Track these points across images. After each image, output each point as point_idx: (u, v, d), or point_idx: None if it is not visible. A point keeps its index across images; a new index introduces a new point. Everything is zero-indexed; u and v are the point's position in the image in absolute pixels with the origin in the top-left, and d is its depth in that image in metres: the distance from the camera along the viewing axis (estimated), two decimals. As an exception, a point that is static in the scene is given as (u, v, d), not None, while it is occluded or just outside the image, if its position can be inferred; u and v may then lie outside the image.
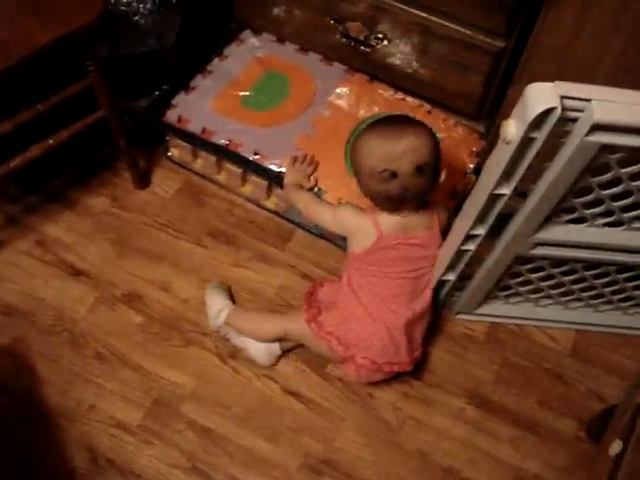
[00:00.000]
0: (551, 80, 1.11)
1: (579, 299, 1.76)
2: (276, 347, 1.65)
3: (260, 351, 1.64)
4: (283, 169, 1.74)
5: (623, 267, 1.58)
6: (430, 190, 1.47)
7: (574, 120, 1.11)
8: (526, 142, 1.15)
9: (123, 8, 1.67)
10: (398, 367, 1.57)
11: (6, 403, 1.59)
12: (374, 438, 1.62)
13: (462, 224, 1.44)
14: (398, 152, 1.39)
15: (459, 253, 1.52)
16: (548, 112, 1.08)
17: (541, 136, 1.13)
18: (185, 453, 1.57)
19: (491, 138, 1.76)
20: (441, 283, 1.65)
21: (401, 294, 1.53)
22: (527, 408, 1.68)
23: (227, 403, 1.63)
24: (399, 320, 1.52)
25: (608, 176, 1.25)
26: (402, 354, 1.55)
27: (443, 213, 1.58)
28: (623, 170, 1.24)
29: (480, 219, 1.39)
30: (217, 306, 1.68)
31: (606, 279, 1.64)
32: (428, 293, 1.57)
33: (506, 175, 1.24)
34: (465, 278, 1.64)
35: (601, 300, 1.76)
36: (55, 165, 1.89)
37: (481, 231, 1.43)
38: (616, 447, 1.17)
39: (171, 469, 1.55)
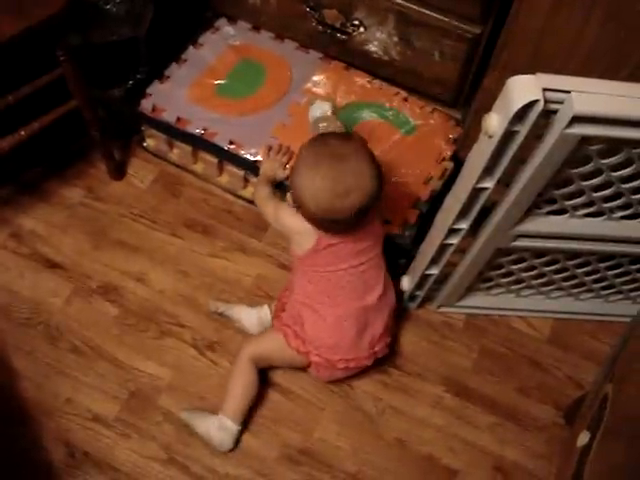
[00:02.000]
0: (526, 67, 1.10)
1: (560, 288, 1.76)
2: (266, 312, 1.66)
3: (252, 321, 1.65)
4: (259, 158, 1.73)
5: (604, 256, 1.58)
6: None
7: (555, 112, 1.11)
8: (508, 135, 1.15)
9: (94, -4, 1.65)
10: (354, 363, 1.55)
11: (-19, 398, 1.58)
12: (353, 428, 1.62)
13: (445, 218, 1.43)
14: (344, 207, 1.35)
15: (442, 247, 1.51)
16: (530, 105, 1.07)
17: (523, 129, 1.13)
18: (162, 445, 1.56)
19: (468, 125, 1.75)
20: (424, 277, 1.65)
21: (348, 288, 1.50)
22: (506, 395, 1.69)
23: (204, 394, 1.62)
24: (348, 314, 1.50)
25: (589, 167, 1.25)
26: (357, 349, 1.54)
27: None
28: (603, 161, 1.23)
29: (463, 213, 1.38)
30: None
31: (587, 268, 1.64)
32: (380, 286, 1.54)
33: (489, 169, 1.24)
34: (446, 271, 1.64)
35: (582, 289, 1.76)
36: (29, 156, 1.86)
37: (464, 225, 1.43)
38: (584, 438, 1.17)
39: (149, 461, 1.54)
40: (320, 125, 1.44)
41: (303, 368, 1.61)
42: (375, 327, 1.55)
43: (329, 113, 1.47)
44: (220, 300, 1.73)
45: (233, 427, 1.54)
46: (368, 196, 1.35)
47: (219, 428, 1.53)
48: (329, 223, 1.40)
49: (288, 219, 1.49)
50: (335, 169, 1.34)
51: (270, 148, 1.71)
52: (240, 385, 1.55)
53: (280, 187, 1.71)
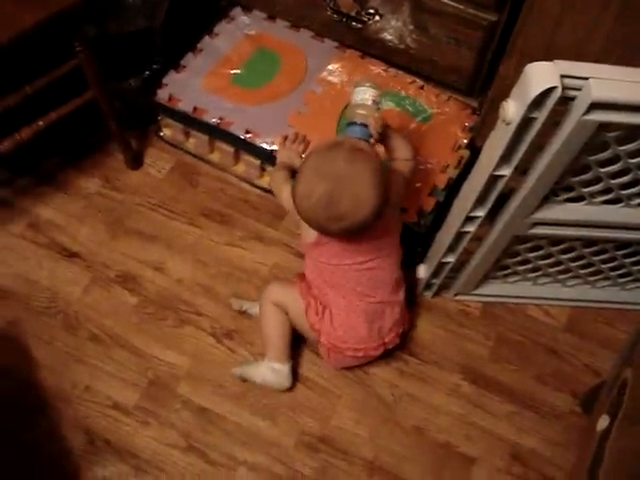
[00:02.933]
0: (542, 55, 1.10)
1: (577, 276, 1.75)
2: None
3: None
4: (275, 147, 1.73)
5: (621, 244, 1.57)
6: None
7: (573, 99, 1.10)
8: (526, 122, 1.15)
9: (111, -13, 1.65)
10: (363, 352, 1.55)
11: (1, 386, 1.60)
12: (370, 415, 1.63)
13: (461, 206, 1.43)
14: (337, 228, 1.34)
15: (458, 235, 1.52)
16: (548, 92, 1.08)
17: (541, 116, 1.13)
18: (182, 433, 1.57)
19: (484, 113, 1.75)
20: (441, 265, 1.65)
21: (353, 282, 1.49)
22: (523, 383, 1.69)
23: (223, 382, 1.63)
24: (353, 308, 1.50)
25: (606, 154, 1.25)
26: (366, 340, 1.54)
27: (400, 182, 1.52)
28: (621, 148, 1.23)
29: (480, 201, 1.38)
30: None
31: (604, 256, 1.63)
32: (390, 281, 1.53)
33: (506, 156, 1.24)
34: (463, 259, 1.64)
35: (599, 277, 1.75)
36: (47, 147, 1.88)
37: (481, 213, 1.43)
38: (603, 422, 1.17)
39: (168, 449, 1.55)
40: (357, 112, 1.41)
41: (316, 352, 1.64)
42: (385, 320, 1.55)
43: (369, 102, 1.42)
44: (239, 291, 1.74)
45: (283, 368, 1.58)
46: (363, 221, 1.32)
47: (272, 372, 1.58)
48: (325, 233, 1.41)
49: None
50: (333, 192, 1.30)
51: (286, 137, 1.71)
52: (272, 327, 1.58)
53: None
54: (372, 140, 1.40)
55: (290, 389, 1.62)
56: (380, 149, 1.50)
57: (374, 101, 1.42)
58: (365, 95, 1.42)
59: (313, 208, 1.32)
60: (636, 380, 1.12)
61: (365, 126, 1.39)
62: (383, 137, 1.47)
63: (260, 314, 1.62)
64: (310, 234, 1.46)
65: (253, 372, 1.60)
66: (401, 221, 1.57)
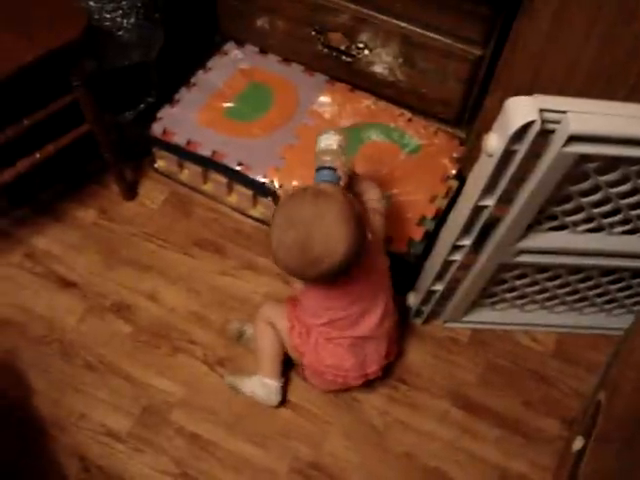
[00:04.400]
0: (527, 88, 1.14)
1: (564, 303, 1.78)
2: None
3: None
4: (267, 180, 1.77)
5: (606, 271, 1.60)
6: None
7: (552, 132, 1.14)
8: (508, 154, 1.18)
9: (107, 23, 1.69)
10: (343, 379, 1.58)
11: (-2, 414, 1.62)
12: (361, 442, 1.64)
13: (448, 235, 1.46)
14: (317, 272, 1.33)
15: (446, 264, 1.55)
16: (528, 125, 1.11)
17: (522, 148, 1.17)
18: (175, 459, 1.59)
19: (471, 144, 1.79)
20: (429, 293, 1.68)
21: (341, 323, 1.50)
22: (511, 409, 1.71)
23: (216, 409, 1.65)
24: (339, 341, 1.52)
25: (587, 184, 1.28)
26: (348, 369, 1.56)
27: (377, 219, 1.51)
28: (601, 178, 1.26)
29: (466, 230, 1.42)
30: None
31: (589, 283, 1.67)
32: (376, 316, 1.51)
33: (489, 187, 1.27)
34: (452, 287, 1.67)
35: (585, 303, 1.78)
36: (44, 178, 1.91)
37: (467, 242, 1.46)
38: (578, 443, 1.20)
39: (161, 475, 1.57)
40: (323, 158, 1.43)
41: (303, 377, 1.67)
42: (370, 354, 1.57)
43: (334, 147, 1.43)
44: (231, 319, 1.77)
45: (273, 383, 1.61)
46: (342, 260, 1.31)
47: (262, 386, 1.62)
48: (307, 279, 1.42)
49: None
50: (304, 237, 1.29)
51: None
52: (264, 344, 1.61)
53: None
54: (341, 183, 1.40)
55: (281, 415, 1.65)
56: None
57: (339, 146, 1.43)
58: (329, 141, 1.44)
59: (288, 257, 1.32)
60: (609, 401, 1.14)
61: (333, 170, 1.40)
62: (351, 181, 1.48)
63: (254, 332, 1.65)
64: (298, 286, 1.49)
65: (244, 383, 1.64)
66: (387, 257, 1.55)
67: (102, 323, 1.76)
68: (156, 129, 1.86)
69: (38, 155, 1.65)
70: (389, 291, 1.56)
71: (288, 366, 1.67)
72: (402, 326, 1.76)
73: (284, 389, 1.66)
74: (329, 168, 1.40)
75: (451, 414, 1.69)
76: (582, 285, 1.67)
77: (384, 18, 1.73)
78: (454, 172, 1.84)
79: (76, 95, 1.61)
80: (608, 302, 1.78)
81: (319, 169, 1.42)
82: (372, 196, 1.54)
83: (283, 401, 1.65)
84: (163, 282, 1.83)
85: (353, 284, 1.44)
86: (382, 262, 1.53)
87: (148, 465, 1.58)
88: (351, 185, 1.49)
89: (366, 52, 1.82)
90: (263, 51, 2.02)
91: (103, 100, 1.71)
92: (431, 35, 1.69)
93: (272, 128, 1.86)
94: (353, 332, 1.51)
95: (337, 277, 1.38)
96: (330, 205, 1.31)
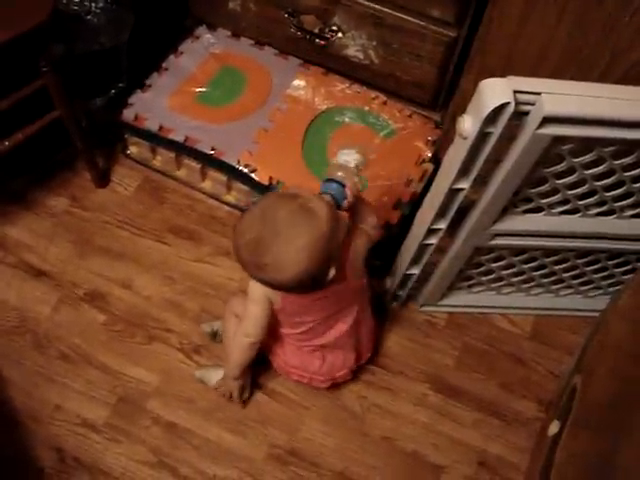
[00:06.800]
0: (500, 70, 1.12)
1: (540, 285, 1.79)
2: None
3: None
4: (242, 166, 1.76)
5: (582, 253, 1.61)
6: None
7: (526, 113, 1.13)
8: (482, 137, 1.17)
9: (75, 7, 1.66)
10: (308, 381, 1.59)
11: (-30, 406, 1.60)
12: (339, 427, 1.64)
13: (423, 218, 1.45)
14: (265, 278, 1.27)
15: (422, 247, 1.54)
16: (502, 107, 1.10)
17: (496, 130, 1.15)
18: (152, 449, 1.58)
19: (446, 127, 1.78)
20: (406, 277, 1.68)
21: (312, 334, 1.48)
22: (489, 392, 1.72)
23: (192, 398, 1.65)
24: (308, 350, 1.52)
25: (562, 166, 1.28)
26: (315, 372, 1.56)
27: (359, 238, 1.43)
28: (576, 160, 1.26)
29: (441, 213, 1.41)
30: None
31: (566, 265, 1.67)
32: (343, 328, 1.49)
33: (464, 170, 1.26)
34: (428, 270, 1.67)
35: (562, 285, 1.79)
36: (13, 166, 1.88)
37: (442, 225, 1.45)
38: (554, 427, 1.21)
39: (138, 465, 1.56)
40: (337, 172, 1.37)
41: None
42: (338, 359, 1.56)
43: (352, 165, 1.38)
44: (207, 306, 1.76)
45: (237, 382, 1.58)
46: (286, 280, 1.23)
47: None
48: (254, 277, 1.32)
49: (255, 289, 1.38)
50: (262, 241, 1.21)
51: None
52: (230, 338, 1.55)
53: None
54: (345, 202, 1.34)
55: (258, 401, 1.65)
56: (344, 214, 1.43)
57: (357, 166, 1.39)
58: (349, 157, 1.39)
59: (242, 248, 1.24)
60: (584, 385, 1.15)
61: (342, 186, 1.34)
62: (355, 203, 1.41)
63: (222, 325, 1.64)
64: (276, 300, 1.39)
65: (212, 378, 1.64)
66: (365, 276, 1.50)
67: (76, 313, 1.74)
68: (127, 115, 1.83)
69: (7, 143, 1.62)
70: (364, 304, 1.55)
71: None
72: (379, 311, 1.75)
73: (258, 382, 1.67)
74: (339, 183, 1.35)
75: (429, 398, 1.70)
76: (558, 267, 1.67)
77: (357, 0, 1.71)
78: (429, 155, 1.83)
79: (45, 81, 1.58)
80: (584, 284, 1.78)
81: (328, 180, 1.36)
82: (369, 223, 1.47)
83: (252, 395, 1.65)
84: (137, 270, 1.81)
85: (323, 299, 1.40)
86: (359, 283, 1.48)
87: (125, 455, 1.57)
88: (353, 206, 1.42)
89: (339, 35, 1.80)
90: (235, 35, 1.99)
91: (73, 86, 1.68)
92: (404, 17, 1.67)
93: (245, 112, 1.84)
94: (321, 341, 1.50)
95: (290, 291, 1.32)
96: (308, 227, 1.21)
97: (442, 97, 1.85)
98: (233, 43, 1.98)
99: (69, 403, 1.62)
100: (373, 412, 1.67)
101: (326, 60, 1.91)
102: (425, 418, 1.67)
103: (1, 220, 1.86)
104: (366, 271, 1.49)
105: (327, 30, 1.81)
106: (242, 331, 1.44)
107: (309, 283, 1.27)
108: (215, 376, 1.63)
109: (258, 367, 1.64)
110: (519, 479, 1.61)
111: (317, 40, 1.84)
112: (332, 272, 1.27)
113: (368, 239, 1.45)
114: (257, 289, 1.36)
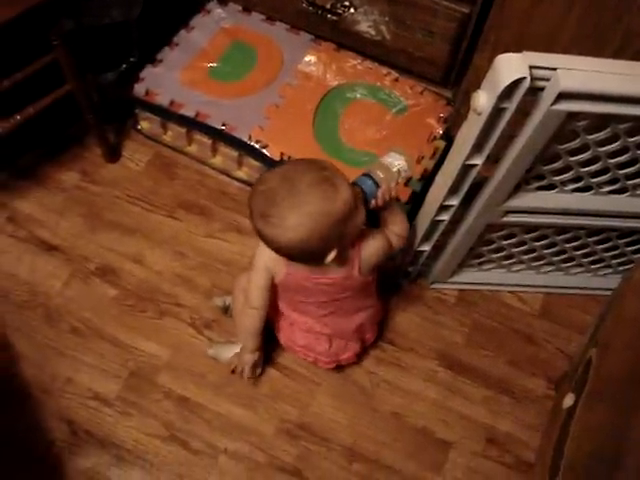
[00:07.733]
0: (514, 46, 1.11)
1: (550, 263, 1.79)
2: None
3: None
4: (253, 142, 1.76)
5: (593, 231, 1.60)
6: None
7: (542, 89, 1.13)
8: (497, 112, 1.17)
9: (86, -19, 1.66)
10: (313, 360, 1.61)
11: (-18, 379, 1.61)
12: (349, 402, 1.65)
13: (436, 195, 1.45)
14: (268, 233, 1.25)
15: (433, 224, 1.54)
16: (518, 82, 1.10)
17: (511, 106, 1.15)
18: (163, 422, 1.59)
19: (458, 104, 1.78)
20: (416, 254, 1.68)
21: (316, 316, 1.51)
22: (498, 369, 1.72)
23: (203, 372, 1.65)
24: (314, 330, 1.54)
25: (576, 143, 1.27)
26: (321, 353, 1.58)
27: (378, 240, 1.41)
28: (590, 136, 1.25)
29: (453, 190, 1.41)
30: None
31: (576, 243, 1.66)
32: (343, 320, 1.53)
33: (478, 145, 1.26)
34: (439, 247, 1.67)
35: (572, 263, 1.79)
36: (25, 141, 1.88)
37: (454, 202, 1.45)
38: (569, 400, 1.21)
39: (150, 438, 1.57)
40: (377, 171, 1.36)
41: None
42: (343, 344, 1.58)
43: (394, 169, 1.38)
44: (217, 282, 1.77)
45: (251, 357, 1.57)
46: (283, 243, 1.23)
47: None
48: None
49: (261, 253, 1.40)
50: (277, 195, 1.21)
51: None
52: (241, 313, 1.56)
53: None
54: (373, 202, 1.34)
55: (269, 376, 1.66)
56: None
57: (399, 171, 1.38)
58: (395, 161, 1.39)
59: (256, 194, 1.24)
60: (600, 359, 1.15)
61: (376, 185, 1.34)
62: (385, 206, 1.40)
63: (232, 302, 1.65)
64: (279, 269, 1.40)
65: (223, 353, 1.65)
66: (375, 273, 1.49)
67: (87, 287, 1.74)
68: (138, 90, 1.83)
69: (18, 117, 1.62)
70: (368, 295, 1.55)
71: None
72: (389, 287, 1.76)
73: (271, 358, 1.67)
74: (374, 181, 1.34)
75: (438, 374, 1.70)
76: (569, 245, 1.67)
77: (370, -26, 1.70)
78: (441, 132, 1.82)
79: (56, 55, 1.57)
80: (595, 262, 1.78)
81: (366, 174, 1.35)
82: (397, 231, 1.45)
83: (263, 371, 1.66)
84: (148, 245, 1.81)
85: (326, 287, 1.41)
86: (366, 280, 1.46)
87: (136, 428, 1.58)
88: (382, 210, 1.42)
89: (352, 10, 1.79)
90: (246, 9, 1.98)
91: (84, 60, 1.67)
92: (417, -8, 1.67)
93: (256, 88, 1.84)
94: (324, 329, 1.53)
95: (287, 257, 1.32)
96: (322, 199, 1.20)
97: (454, 74, 1.84)
98: (244, 18, 1.97)
99: (80, 376, 1.63)
100: (383, 388, 1.67)
101: (338, 36, 1.90)
102: (434, 394, 1.68)
103: (12, 195, 1.86)
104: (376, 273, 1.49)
105: (339, 5, 1.79)
106: (247, 300, 1.47)
107: (304, 255, 1.28)
108: (228, 352, 1.64)
109: (269, 344, 1.64)
110: (528, 455, 1.62)
111: (329, 15, 1.83)
112: (331, 255, 1.27)
113: (388, 244, 1.43)
114: (260, 258, 1.40)
